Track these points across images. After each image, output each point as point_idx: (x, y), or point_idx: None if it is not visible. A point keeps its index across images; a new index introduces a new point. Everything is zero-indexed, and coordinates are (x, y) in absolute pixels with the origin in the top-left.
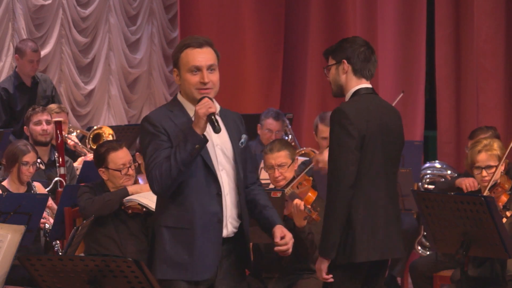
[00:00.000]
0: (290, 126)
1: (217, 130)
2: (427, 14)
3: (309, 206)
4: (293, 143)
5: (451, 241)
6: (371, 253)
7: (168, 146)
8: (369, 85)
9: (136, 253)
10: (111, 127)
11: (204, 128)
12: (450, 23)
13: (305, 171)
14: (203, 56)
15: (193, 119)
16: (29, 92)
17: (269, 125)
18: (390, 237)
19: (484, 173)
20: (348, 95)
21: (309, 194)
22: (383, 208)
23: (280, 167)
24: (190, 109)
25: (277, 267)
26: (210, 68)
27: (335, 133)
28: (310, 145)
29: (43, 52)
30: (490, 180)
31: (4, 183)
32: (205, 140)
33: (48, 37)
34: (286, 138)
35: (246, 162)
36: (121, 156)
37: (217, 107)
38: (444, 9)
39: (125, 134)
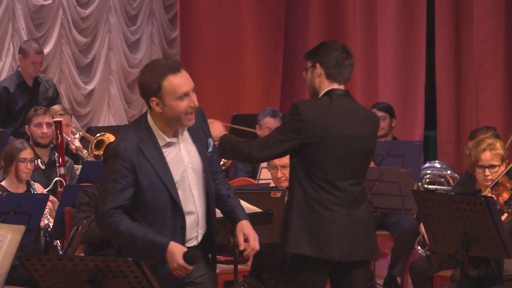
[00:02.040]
0: None
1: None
2: (427, 14)
3: None
4: None
5: (451, 241)
6: (302, 247)
7: (129, 187)
8: (342, 87)
9: None
10: (111, 127)
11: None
12: (450, 23)
13: None
14: (186, 80)
15: (163, 149)
16: (30, 92)
17: (268, 124)
18: (327, 238)
19: (487, 172)
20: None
21: None
22: (327, 209)
23: (283, 168)
24: (161, 138)
25: (278, 268)
26: (193, 89)
27: (283, 120)
28: None
29: None
30: (492, 179)
31: (3, 183)
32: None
33: (48, 37)
34: None
35: (214, 166)
36: None
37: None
38: (444, 9)
39: None
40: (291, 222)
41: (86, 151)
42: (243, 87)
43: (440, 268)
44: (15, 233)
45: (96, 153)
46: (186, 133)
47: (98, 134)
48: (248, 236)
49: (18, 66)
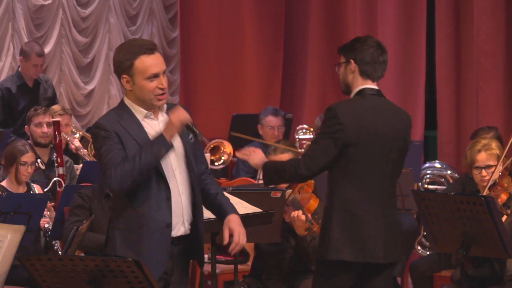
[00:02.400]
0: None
1: (198, 135)
2: (427, 14)
3: (310, 217)
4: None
5: (451, 241)
6: (344, 253)
7: (122, 148)
8: (375, 86)
9: None
10: None
11: (174, 136)
12: (450, 23)
13: None
14: (158, 62)
15: (142, 122)
16: (30, 93)
17: (270, 122)
18: (369, 241)
19: (484, 172)
20: (352, 95)
21: (311, 201)
22: (367, 212)
23: None
24: (139, 112)
25: (278, 268)
26: (164, 72)
27: (321, 128)
28: None
29: None
30: (489, 179)
31: (3, 183)
32: (172, 146)
33: (48, 37)
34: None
35: (197, 156)
36: None
37: (164, 107)
38: (444, 9)
39: None
40: (331, 229)
41: (86, 150)
42: (243, 87)
43: (440, 268)
44: (15, 233)
45: None
46: (166, 116)
47: None
48: (233, 231)
49: (19, 67)
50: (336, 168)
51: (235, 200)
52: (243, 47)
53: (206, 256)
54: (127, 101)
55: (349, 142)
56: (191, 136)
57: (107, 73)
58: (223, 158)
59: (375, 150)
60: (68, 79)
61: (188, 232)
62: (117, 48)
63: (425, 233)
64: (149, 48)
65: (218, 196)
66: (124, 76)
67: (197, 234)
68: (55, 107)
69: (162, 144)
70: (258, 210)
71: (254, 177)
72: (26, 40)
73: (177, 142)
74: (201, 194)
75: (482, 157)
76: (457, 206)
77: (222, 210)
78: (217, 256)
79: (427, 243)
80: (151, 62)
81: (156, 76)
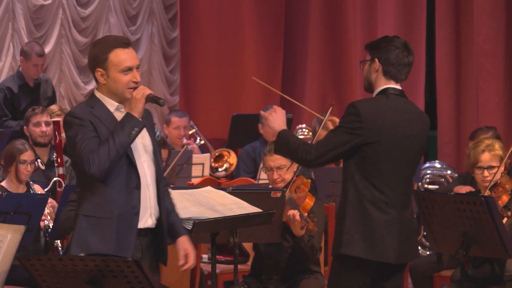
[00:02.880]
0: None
1: (161, 103)
2: (427, 14)
3: (306, 216)
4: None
5: (451, 241)
6: (356, 249)
7: (96, 135)
8: (398, 87)
9: None
10: None
11: (142, 112)
12: (450, 23)
13: (296, 172)
14: (132, 56)
15: (114, 114)
16: (32, 93)
17: None
18: (382, 241)
19: (486, 173)
20: (375, 94)
21: (307, 200)
22: (382, 211)
23: (278, 169)
24: (111, 104)
25: (277, 268)
26: (137, 67)
27: (340, 121)
28: None
29: None
30: (491, 180)
31: (3, 183)
32: (143, 124)
33: (48, 37)
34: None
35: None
36: None
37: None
38: (444, 9)
39: None
40: (344, 224)
41: None
42: (243, 87)
43: (440, 268)
44: (15, 233)
45: None
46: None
47: None
48: (188, 253)
49: (19, 67)
50: (354, 165)
51: (235, 200)
52: (243, 47)
53: (206, 256)
54: (99, 94)
55: (368, 140)
56: (157, 134)
57: None
58: (225, 165)
59: (394, 150)
60: (68, 79)
61: (154, 226)
62: (91, 43)
63: (425, 233)
64: (124, 43)
65: (172, 214)
66: (99, 69)
67: (161, 230)
68: (53, 108)
69: (132, 122)
70: (258, 210)
71: (254, 177)
72: (26, 40)
73: (147, 138)
74: None
75: (485, 158)
76: (457, 206)
77: (175, 230)
78: (217, 256)
79: (427, 243)
80: (125, 56)
81: (130, 69)
